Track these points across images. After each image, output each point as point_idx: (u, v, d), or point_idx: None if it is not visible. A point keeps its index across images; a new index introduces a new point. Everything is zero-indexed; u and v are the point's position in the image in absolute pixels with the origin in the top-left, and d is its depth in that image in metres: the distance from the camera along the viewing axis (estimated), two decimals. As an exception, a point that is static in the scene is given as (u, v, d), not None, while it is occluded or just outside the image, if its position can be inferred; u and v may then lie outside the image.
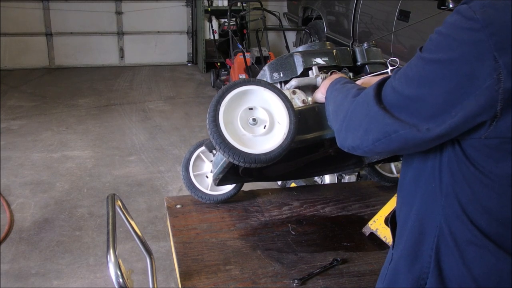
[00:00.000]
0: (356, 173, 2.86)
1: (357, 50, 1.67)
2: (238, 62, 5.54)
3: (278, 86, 1.61)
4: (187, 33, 7.53)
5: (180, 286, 1.46)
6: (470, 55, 0.81)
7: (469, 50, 0.81)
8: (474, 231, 0.90)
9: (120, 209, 1.46)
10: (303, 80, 1.57)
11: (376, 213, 1.73)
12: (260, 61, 5.39)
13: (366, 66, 1.66)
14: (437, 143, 0.91)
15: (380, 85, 0.98)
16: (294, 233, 1.73)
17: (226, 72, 6.08)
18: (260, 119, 1.45)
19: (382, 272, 1.13)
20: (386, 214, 1.69)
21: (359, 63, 1.66)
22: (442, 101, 0.85)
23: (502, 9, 0.80)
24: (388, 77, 0.98)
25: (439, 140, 0.90)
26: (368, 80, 1.41)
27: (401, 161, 1.23)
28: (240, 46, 5.57)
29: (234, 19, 6.04)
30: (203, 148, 1.85)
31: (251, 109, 1.46)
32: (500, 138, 0.83)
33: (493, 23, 0.79)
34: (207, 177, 1.89)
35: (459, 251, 0.92)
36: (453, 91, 0.83)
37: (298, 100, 1.53)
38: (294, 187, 2.27)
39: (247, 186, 1.94)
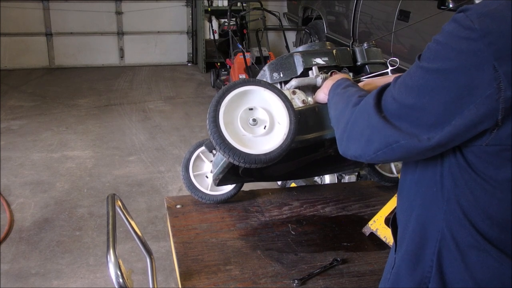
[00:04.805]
0: (356, 173, 2.86)
1: (357, 50, 1.67)
2: (238, 62, 5.54)
3: (278, 86, 1.61)
4: (187, 33, 7.53)
5: (180, 286, 1.46)
6: (469, 65, 0.81)
7: (468, 59, 0.81)
8: (476, 235, 0.90)
9: (120, 209, 1.46)
10: (303, 80, 1.57)
11: (376, 213, 1.73)
12: (260, 61, 5.39)
13: (366, 66, 1.66)
14: (438, 151, 0.91)
15: (380, 93, 0.98)
16: (294, 233, 1.73)
17: (226, 72, 6.08)
18: (260, 119, 1.45)
19: (385, 275, 1.13)
20: (386, 214, 1.69)
21: (359, 63, 1.66)
22: (442, 110, 0.85)
23: (500, 18, 0.80)
24: (388, 85, 0.98)
25: (440, 149, 0.90)
26: (369, 82, 1.40)
27: (402, 164, 1.23)
28: (240, 46, 5.57)
29: (234, 19, 6.03)
30: (203, 148, 1.85)
31: (251, 109, 1.46)
32: (500, 146, 0.83)
33: (491, 32, 0.79)
34: (207, 177, 1.89)
35: (461, 255, 0.92)
36: (453, 101, 0.83)
37: (298, 100, 1.53)
38: (294, 187, 2.27)
39: (247, 186, 1.94)
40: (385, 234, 1.66)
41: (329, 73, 1.55)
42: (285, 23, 6.90)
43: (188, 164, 1.87)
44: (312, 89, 1.58)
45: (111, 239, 1.27)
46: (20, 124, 5.03)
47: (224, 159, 1.54)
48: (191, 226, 1.73)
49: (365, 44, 1.69)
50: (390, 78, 1.39)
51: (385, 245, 1.66)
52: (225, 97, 1.43)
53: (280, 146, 1.40)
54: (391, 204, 1.71)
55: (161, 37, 7.46)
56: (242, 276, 1.47)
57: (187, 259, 1.55)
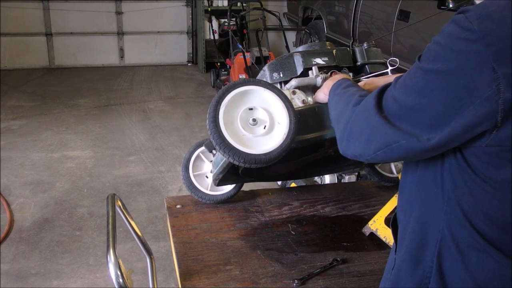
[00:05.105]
0: (356, 173, 2.86)
1: (357, 50, 1.67)
2: (238, 62, 5.54)
3: (278, 86, 1.61)
4: (187, 33, 7.53)
5: (180, 286, 1.46)
6: (468, 66, 0.81)
7: (467, 61, 0.81)
8: (476, 236, 0.90)
9: (120, 209, 1.46)
10: (303, 80, 1.57)
11: (376, 213, 1.73)
12: (260, 61, 5.39)
13: (366, 66, 1.66)
14: (438, 152, 0.91)
15: (381, 93, 0.98)
16: (294, 233, 1.73)
17: (226, 72, 6.08)
18: (260, 119, 1.45)
19: (385, 276, 1.13)
20: (386, 214, 1.69)
21: (359, 63, 1.66)
22: (441, 111, 0.85)
23: (499, 19, 0.80)
24: (389, 85, 0.98)
25: (440, 149, 0.90)
26: (369, 81, 1.40)
27: (402, 164, 1.24)
28: (240, 46, 5.57)
29: (234, 19, 6.03)
30: (203, 148, 1.85)
31: (251, 109, 1.46)
32: (500, 146, 0.84)
33: (490, 34, 0.79)
34: (207, 177, 1.89)
35: (461, 256, 0.92)
36: (453, 102, 0.83)
37: (298, 100, 1.53)
38: (294, 187, 2.27)
39: (247, 186, 1.94)
40: (385, 234, 1.66)
41: (329, 73, 1.55)
42: (285, 23, 6.90)
43: (188, 164, 1.87)
44: (312, 89, 1.58)
45: (111, 239, 1.27)
46: (20, 124, 5.03)
47: (224, 159, 1.54)
48: (191, 226, 1.73)
49: (365, 44, 1.69)
50: (390, 78, 1.39)
51: (385, 245, 1.66)
52: (225, 97, 1.43)
53: (280, 146, 1.40)
54: (391, 204, 1.71)
55: (161, 37, 7.46)
56: (242, 276, 1.47)
57: (187, 259, 1.55)
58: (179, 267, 1.51)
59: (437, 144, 0.87)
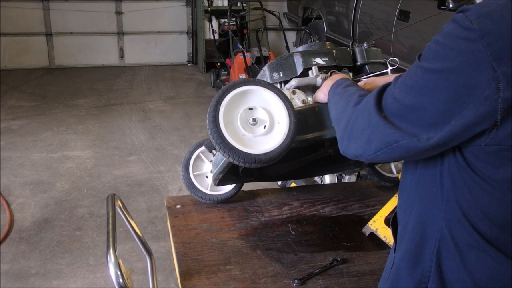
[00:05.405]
0: (356, 173, 2.86)
1: (357, 50, 1.67)
2: (238, 62, 5.54)
3: (278, 86, 1.61)
4: (187, 33, 7.53)
5: (180, 286, 1.46)
6: (468, 65, 0.81)
7: (467, 60, 0.81)
8: (475, 235, 0.90)
9: (120, 209, 1.46)
10: (303, 80, 1.57)
11: (376, 213, 1.73)
12: (260, 61, 5.39)
13: (366, 66, 1.66)
14: (438, 151, 0.92)
15: (381, 92, 0.98)
16: (294, 233, 1.73)
17: (226, 72, 6.08)
18: (260, 119, 1.45)
19: (384, 275, 1.13)
20: (386, 214, 1.69)
21: (359, 63, 1.66)
22: (441, 110, 0.85)
23: (499, 18, 0.80)
24: (389, 84, 0.98)
25: (439, 148, 0.90)
26: (369, 81, 1.40)
27: (402, 164, 1.24)
28: (240, 46, 5.57)
29: (234, 19, 6.04)
30: (203, 148, 1.85)
31: (251, 109, 1.46)
32: (499, 146, 0.84)
33: (490, 33, 0.80)
34: (207, 177, 1.89)
35: (460, 255, 0.92)
36: (452, 101, 0.83)
37: (298, 100, 1.53)
38: (294, 187, 2.27)
39: (247, 186, 1.94)
40: (385, 234, 1.66)
41: (329, 73, 1.55)
42: (285, 23, 6.90)
43: (188, 164, 1.88)
44: (312, 89, 1.59)
45: (111, 239, 1.27)
46: (20, 124, 5.02)
47: (224, 159, 1.54)
48: (191, 226, 1.73)
49: (365, 44, 1.69)
50: (390, 77, 1.39)
51: (385, 245, 1.66)
52: (225, 97, 1.43)
53: (280, 145, 1.40)
54: (391, 204, 1.71)
55: (161, 37, 7.46)
56: (242, 276, 1.47)
57: (187, 259, 1.55)
58: (179, 267, 1.51)
59: (437, 143, 0.87)
